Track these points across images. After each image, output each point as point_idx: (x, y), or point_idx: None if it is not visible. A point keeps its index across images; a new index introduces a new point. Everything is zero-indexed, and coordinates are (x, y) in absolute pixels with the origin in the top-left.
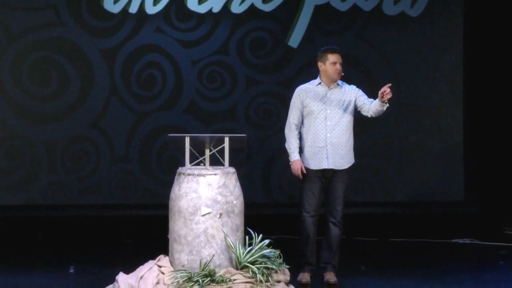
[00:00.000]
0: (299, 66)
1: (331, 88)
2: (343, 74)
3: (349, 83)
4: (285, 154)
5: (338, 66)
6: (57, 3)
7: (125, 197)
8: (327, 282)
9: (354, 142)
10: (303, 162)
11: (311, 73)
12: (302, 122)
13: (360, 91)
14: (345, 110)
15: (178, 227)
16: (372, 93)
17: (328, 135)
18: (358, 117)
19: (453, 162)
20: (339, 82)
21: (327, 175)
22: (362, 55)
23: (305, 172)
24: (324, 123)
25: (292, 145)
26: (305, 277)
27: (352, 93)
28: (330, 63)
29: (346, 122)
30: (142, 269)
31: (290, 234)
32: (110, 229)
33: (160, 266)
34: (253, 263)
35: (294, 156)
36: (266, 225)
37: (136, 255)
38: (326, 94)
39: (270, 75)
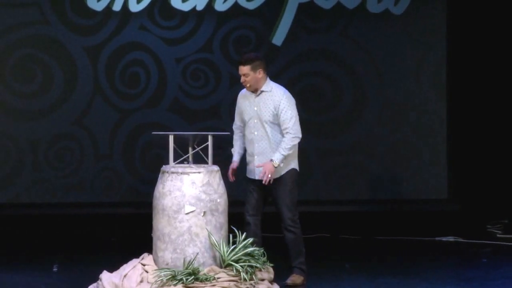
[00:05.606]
0: (283, 64)
1: (258, 96)
2: (248, 85)
3: (288, 84)
4: None
5: (242, 79)
6: (41, 1)
7: (109, 195)
8: (292, 284)
9: (336, 141)
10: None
11: (294, 71)
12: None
13: (283, 112)
14: (271, 119)
15: (162, 225)
16: (356, 91)
17: (256, 145)
18: (341, 114)
19: (437, 160)
20: (266, 88)
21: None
22: (346, 53)
23: (232, 177)
24: (253, 132)
25: (233, 147)
26: None
27: (276, 104)
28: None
29: (273, 131)
30: (126, 268)
31: (274, 232)
32: (94, 227)
33: (144, 265)
34: (237, 261)
35: (233, 158)
36: None
37: (119, 253)
38: (254, 102)
39: None
